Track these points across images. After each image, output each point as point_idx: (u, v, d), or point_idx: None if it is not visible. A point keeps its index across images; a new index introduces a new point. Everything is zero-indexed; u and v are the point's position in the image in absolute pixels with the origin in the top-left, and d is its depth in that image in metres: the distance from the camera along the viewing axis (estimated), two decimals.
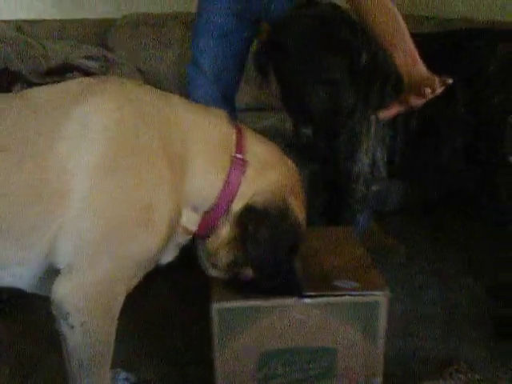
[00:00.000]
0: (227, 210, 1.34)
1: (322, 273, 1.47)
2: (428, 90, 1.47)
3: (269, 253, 1.34)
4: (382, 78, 1.86)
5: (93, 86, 1.28)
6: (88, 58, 3.15)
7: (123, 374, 1.58)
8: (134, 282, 1.28)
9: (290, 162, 1.46)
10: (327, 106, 1.81)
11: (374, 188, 1.99)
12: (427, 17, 3.07)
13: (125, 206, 1.19)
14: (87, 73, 2.96)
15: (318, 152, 1.97)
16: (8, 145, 1.17)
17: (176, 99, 1.37)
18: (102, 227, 1.18)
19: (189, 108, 1.36)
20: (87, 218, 1.17)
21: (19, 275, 1.24)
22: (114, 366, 1.31)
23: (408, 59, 1.56)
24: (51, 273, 1.21)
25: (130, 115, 1.24)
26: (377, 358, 1.44)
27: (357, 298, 1.39)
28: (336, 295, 1.39)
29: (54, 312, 1.19)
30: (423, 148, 1.94)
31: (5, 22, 3.28)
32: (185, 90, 2.30)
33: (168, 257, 1.40)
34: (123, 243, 1.20)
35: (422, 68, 1.55)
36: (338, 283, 1.42)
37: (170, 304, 1.99)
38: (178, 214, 1.29)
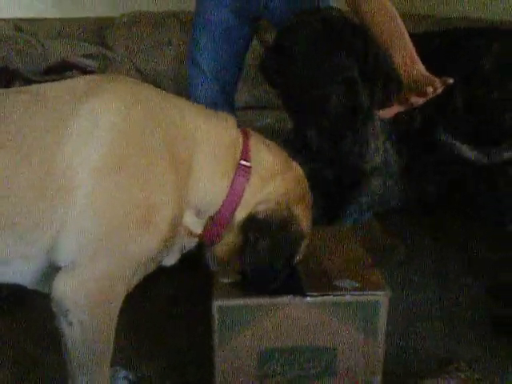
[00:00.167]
0: (231, 217, 1.35)
1: (322, 272, 1.48)
2: (430, 89, 1.47)
3: (265, 262, 1.35)
4: (384, 78, 1.85)
5: (102, 83, 1.27)
6: (87, 56, 3.15)
7: (123, 373, 1.57)
8: (135, 281, 1.28)
9: (296, 167, 1.46)
10: (343, 106, 1.80)
11: (389, 183, 1.99)
12: (424, 15, 3.08)
13: (127, 205, 1.19)
14: (86, 71, 2.96)
15: (322, 153, 1.96)
16: (15, 140, 1.17)
17: (183, 102, 1.37)
18: (104, 226, 1.17)
19: (196, 111, 1.36)
20: (90, 216, 1.16)
21: (22, 271, 1.23)
22: (113, 364, 1.31)
23: (407, 59, 1.57)
24: (52, 270, 1.20)
25: (137, 115, 1.24)
26: (377, 357, 1.44)
27: (357, 298, 1.39)
28: (336, 294, 1.39)
29: (54, 309, 1.19)
30: (422, 146, 1.94)
31: (4, 20, 3.28)
32: (183, 89, 2.30)
33: (171, 259, 1.40)
34: (124, 242, 1.20)
35: (420, 68, 1.56)
36: (338, 283, 1.43)
37: (171, 304, 1.99)
38: (180, 217, 1.29)
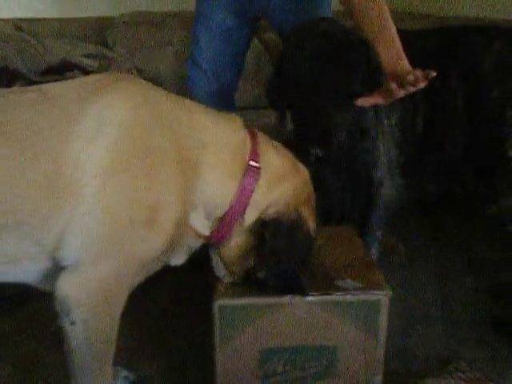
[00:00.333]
0: (240, 218, 1.35)
1: (323, 273, 1.48)
2: (410, 77, 1.48)
3: (281, 263, 1.35)
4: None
5: (110, 83, 1.28)
6: (87, 56, 3.15)
7: (123, 372, 1.58)
8: (138, 280, 1.29)
9: (302, 168, 1.47)
10: (353, 119, 1.79)
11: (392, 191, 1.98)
12: (422, 14, 3.08)
13: (133, 205, 1.20)
14: (86, 71, 2.96)
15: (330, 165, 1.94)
16: (23, 139, 1.17)
17: (191, 103, 1.37)
18: (109, 225, 1.18)
19: (204, 113, 1.36)
20: (96, 216, 1.17)
21: (27, 270, 1.24)
22: (114, 364, 1.30)
23: (393, 54, 1.58)
24: (56, 269, 1.20)
25: (145, 115, 1.24)
26: (377, 356, 1.44)
27: (358, 297, 1.39)
28: (337, 294, 1.39)
29: (57, 308, 1.19)
30: (425, 147, 1.94)
31: (4, 20, 3.28)
32: (184, 89, 2.30)
33: (179, 260, 1.40)
34: (129, 242, 1.21)
35: (405, 63, 1.57)
36: (339, 283, 1.43)
37: (172, 303, 1.99)
38: (185, 217, 1.29)
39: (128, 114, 1.22)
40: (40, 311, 1.83)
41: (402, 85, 1.52)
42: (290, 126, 1.89)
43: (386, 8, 1.64)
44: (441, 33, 1.98)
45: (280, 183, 1.38)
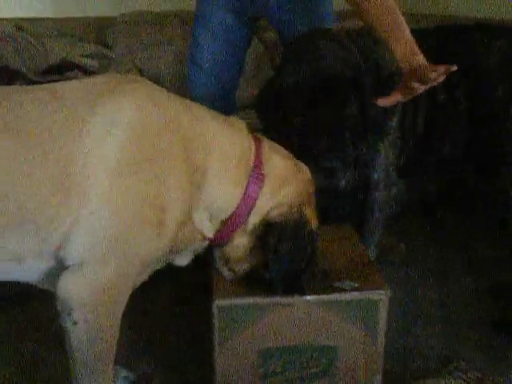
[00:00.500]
0: (244, 222, 1.37)
1: (322, 273, 1.47)
2: (433, 74, 1.47)
3: (288, 264, 1.36)
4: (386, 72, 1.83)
5: (120, 84, 1.28)
6: (87, 56, 3.15)
7: (123, 372, 1.58)
8: (140, 280, 1.30)
9: (305, 169, 1.48)
10: (359, 124, 1.78)
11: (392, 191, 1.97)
12: (422, 14, 3.08)
13: (141, 206, 1.20)
14: (87, 71, 2.97)
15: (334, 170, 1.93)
16: (33, 137, 1.17)
17: (198, 107, 1.38)
18: (116, 225, 1.18)
19: (211, 118, 1.37)
20: (103, 215, 1.17)
21: (32, 269, 1.24)
22: (114, 363, 1.31)
23: (407, 50, 1.58)
24: (59, 268, 1.21)
25: (154, 118, 1.25)
26: (377, 356, 1.44)
27: (358, 297, 1.40)
28: (337, 294, 1.40)
29: (59, 307, 1.19)
30: (427, 146, 1.93)
31: (4, 20, 3.28)
32: (184, 89, 2.30)
33: (184, 260, 1.42)
34: (135, 242, 1.21)
35: (421, 58, 1.57)
36: (338, 284, 1.43)
37: (172, 303, 1.99)
38: (188, 219, 1.31)
39: (138, 115, 1.22)
40: (40, 311, 1.83)
41: (422, 81, 1.52)
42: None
43: (394, 4, 1.65)
44: (440, 31, 1.98)
45: (283, 186, 1.40)
